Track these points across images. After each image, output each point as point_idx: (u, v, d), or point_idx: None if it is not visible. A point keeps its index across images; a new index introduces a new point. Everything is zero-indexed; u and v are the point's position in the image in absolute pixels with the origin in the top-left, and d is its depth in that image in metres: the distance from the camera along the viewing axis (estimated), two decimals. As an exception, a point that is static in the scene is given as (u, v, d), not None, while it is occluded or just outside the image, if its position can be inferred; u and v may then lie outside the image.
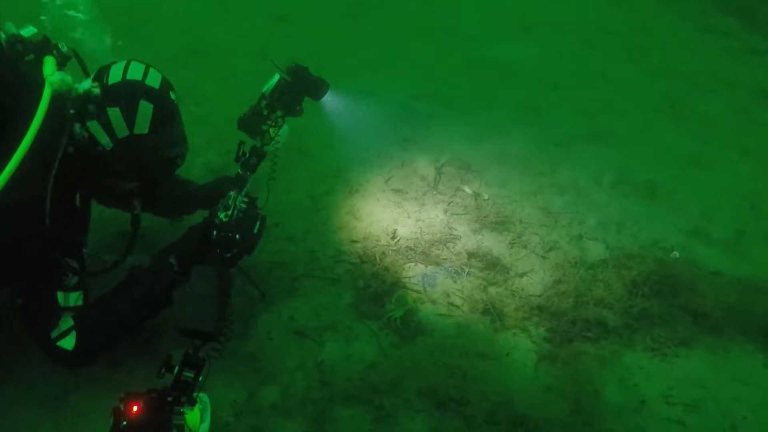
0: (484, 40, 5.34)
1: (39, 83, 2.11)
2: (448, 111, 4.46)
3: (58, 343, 2.27)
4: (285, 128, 2.99)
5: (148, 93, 2.26)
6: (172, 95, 2.38)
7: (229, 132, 2.97)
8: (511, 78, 4.91)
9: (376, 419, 2.55)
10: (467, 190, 3.71)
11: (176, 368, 1.93)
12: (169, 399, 1.86)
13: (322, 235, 3.39)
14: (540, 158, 4.09)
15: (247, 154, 2.77)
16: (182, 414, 1.86)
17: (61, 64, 2.23)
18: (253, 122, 2.92)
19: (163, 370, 1.93)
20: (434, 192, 3.73)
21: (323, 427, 2.51)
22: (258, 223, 2.64)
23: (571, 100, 4.70)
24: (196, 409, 1.90)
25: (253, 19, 5.34)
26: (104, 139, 2.25)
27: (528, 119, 4.48)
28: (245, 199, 2.60)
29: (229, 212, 2.51)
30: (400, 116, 4.35)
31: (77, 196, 2.42)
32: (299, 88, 2.83)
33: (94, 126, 2.24)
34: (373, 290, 3.06)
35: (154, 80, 2.31)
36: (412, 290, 3.10)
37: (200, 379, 1.94)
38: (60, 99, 2.15)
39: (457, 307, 3.06)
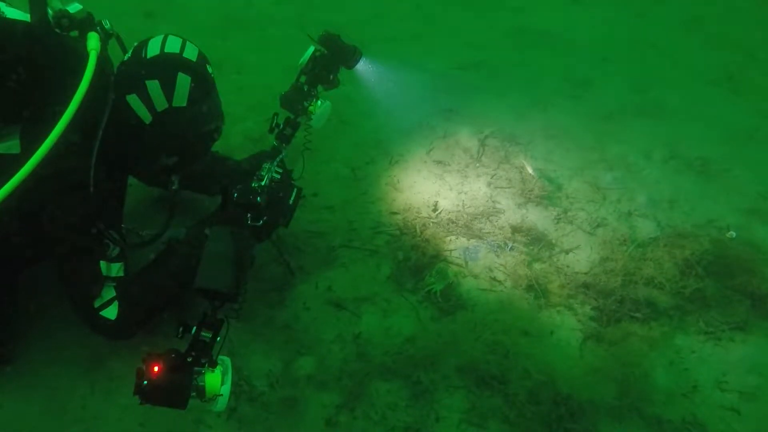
0: (530, 10, 5.14)
1: (83, 57, 2.11)
2: (493, 82, 4.31)
3: (101, 313, 2.27)
4: (327, 104, 2.97)
5: (186, 66, 2.27)
6: (209, 68, 2.39)
7: (268, 100, 2.93)
8: (558, 49, 4.72)
9: (414, 394, 2.48)
10: (529, 169, 3.56)
11: (194, 328, 1.91)
12: (189, 360, 1.84)
13: (361, 205, 3.31)
14: (588, 132, 3.92)
15: (281, 126, 2.73)
16: (203, 375, 1.84)
17: (104, 41, 2.23)
18: (294, 99, 2.90)
19: (181, 330, 1.90)
20: (477, 164, 3.60)
21: (359, 401, 2.45)
22: (294, 193, 2.58)
23: (621, 71, 4.50)
24: (217, 370, 1.87)
25: (292, -14, 5.24)
26: (143, 113, 2.26)
27: (575, 92, 4.30)
28: (279, 170, 2.55)
29: (262, 182, 2.47)
30: (443, 87, 4.22)
31: (118, 171, 2.44)
32: (332, 57, 2.76)
33: (133, 100, 2.24)
34: (413, 263, 2.97)
35: (191, 53, 2.32)
36: (453, 264, 3.00)
37: (218, 339, 1.91)
38: (104, 71, 2.17)
39: (500, 282, 2.95)
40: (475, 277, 2.96)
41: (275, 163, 2.63)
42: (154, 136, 2.32)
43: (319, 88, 2.93)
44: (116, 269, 2.32)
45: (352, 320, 2.74)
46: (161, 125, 2.29)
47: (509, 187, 3.45)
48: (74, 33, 2.22)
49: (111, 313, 2.28)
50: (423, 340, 2.66)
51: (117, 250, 2.33)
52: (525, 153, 3.69)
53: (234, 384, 2.45)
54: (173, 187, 2.50)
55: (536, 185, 3.46)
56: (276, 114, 2.72)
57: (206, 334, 1.91)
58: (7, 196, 1.85)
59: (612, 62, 4.61)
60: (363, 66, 2.97)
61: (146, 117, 2.27)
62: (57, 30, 2.16)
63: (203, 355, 1.87)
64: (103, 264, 2.27)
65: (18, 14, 2.25)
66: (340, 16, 4.86)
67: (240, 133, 3.66)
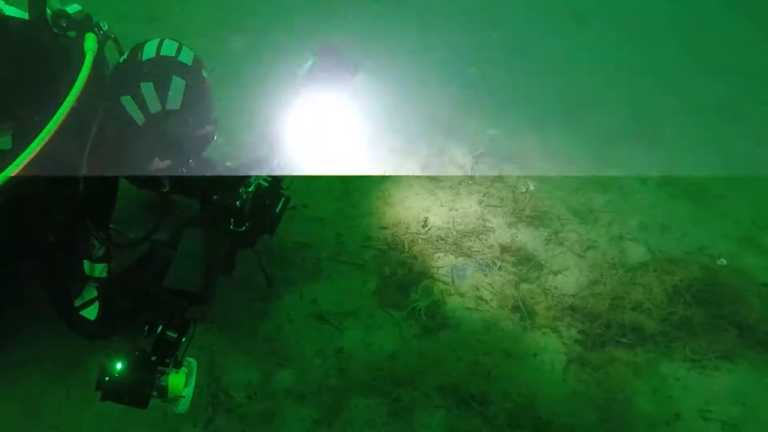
0: (531, 29, 5.13)
1: (79, 57, 2.11)
2: (490, 100, 4.29)
3: (81, 312, 2.26)
4: None
5: (181, 69, 2.27)
6: (204, 73, 2.38)
7: None
8: (557, 69, 4.71)
9: (393, 412, 2.46)
10: (522, 188, 3.55)
11: (159, 328, 1.89)
12: (153, 359, 1.81)
13: (351, 218, 3.29)
14: (583, 153, 3.91)
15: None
16: (167, 375, 1.82)
17: (101, 42, 2.23)
18: None
19: (147, 328, 1.88)
20: (470, 181, 3.59)
21: (338, 417, 2.44)
22: (281, 202, 2.57)
23: (619, 95, 4.49)
24: (182, 371, 1.86)
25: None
26: (137, 114, 2.26)
27: (573, 113, 4.29)
28: (268, 178, 2.53)
29: (250, 188, 2.44)
30: (439, 103, 4.21)
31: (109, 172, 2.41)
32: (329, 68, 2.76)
33: (127, 101, 2.25)
34: (399, 278, 2.96)
35: (186, 57, 2.32)
36: (440, 281, 2.99)
37: (183, 341, 1.90)
38: (99, 72, 2.17)
39: (486, 301, 2.94)
40: (462, 295, 2.94)
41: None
42: (147, 139, 2.31)
43: None
44: (100, 270, 2.31)
45: (334, 334, 2.72)
46: (154, 128, 2.29)
47: (501, 206, 3.44)
48: (72, 34, 2.22)
49: (91, 313, 2.26)
50: (405, 358, 2.64)
51: (102, 251, 2.32)
52: (519, 172, 3.68)
53: (212, 395, 2.46)
54: (164, 190, 2.48)
55: (528, 205, 3.44)
56: None
57: (172, 335, 1.88)
58: None
59: (611, 85, 4.59)
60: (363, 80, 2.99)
61: (139, 119, 2.27)
62: (54, 30, 2.16)
63: (167, 355, 1.85)
64: (86, 263, 2.25)
65: (17, 13, 2.26)
66: (340, 29, 4.86)
67: (240, 144, 3.65)
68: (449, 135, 3.92)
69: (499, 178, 3.61)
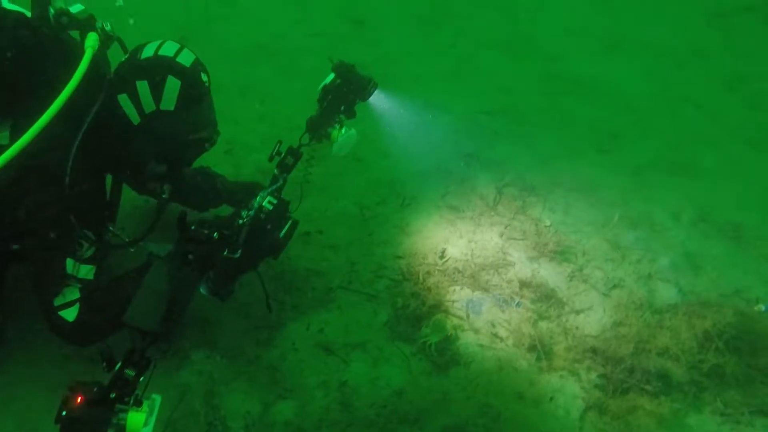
0: (564, 56, 5.03)
1: (79, 54, 2.12)
2: (518, 128, 4.20)
3: (60, 312, 2.23)
4: (352, 132, 2.90)
5: (177, 69, 2.23)
6: (204, 77, 2.34)
7: (287, 132, 2.90)
8: (589, 98, 4.58)
9: (395, 452, 2.34)
10: (546, 222, 3.43)
11: (118, 365, 1.82)
12: (113, 395, 1.75)
13: (366, 246, 3.21)
14: (613, 187, 3.75)
15: (283, 154, 2.64)
16: (126, 413, 1.75)
17: (103, 42, 2.23)
18: (318, 123, 2.84)
19: (104, 364, 1.81)
20: (492, 213, 3.47)
21: (337, 454, 2.33)
22: (287, 226, 2.50)
23: (654, 126, 4.32)
24: (142, 409, 1.78)
25: (328, 21, 5.26)
26: (132, 113, 2.25)
27: (604, 144, 4.15)
28: (273, 201, 2.46)
29: (251, 212, 2.39)
30: (466, 130, 4.13)
31: (108, 177, 2.45)
32: (345, 87, 2.69)
33: (123, 99, 2.24)
34: (411, 311, 2.85)
35: (186, 59, 2.28)
36: (454, 315, 2.87)
37: (141, 379, 1.82)
38: (98, 70, 2.17)
39: (501, 339, 2.80)
40: (476, 331, 2.82)
41: (268, 193, 2.54)
42: (142, 139, 2.30)
43: (341, 116, 2.86)
44: (85, 271, 2.27)
45: (340, 366, 2.63)
46: (149, 127, 2.27)
47: (523, 239, 3.31)
48: (75, 33, 2.24)
49: (70, 315, 2.23)
50: (411, 395, 2.52)
51: (90, 252, 2.28)
52: (543, 204, 3.55)
53: (208, 423, 2.38)
54: (163, 196, 2.45)
55: (551, 239, 3.30)
56: (280, 142, 2.64)
57: (130, 372, 1.82)
58: None
59: (646, 115, 4.43)
60: (381, 101, 2.91)
61: (135, 118, 2.25)
62: (56, 27, 2.17)
63: (125, 392, 1.78)
64: (69, 262, 2.22)
65: (18, 9, 2.28)
66: (371, 51, 4.85)
67: (252, 163, 3.64)
68: (473, 163, 3.82)
69: (523, 210, 3.49)
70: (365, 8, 5.46)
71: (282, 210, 2.51)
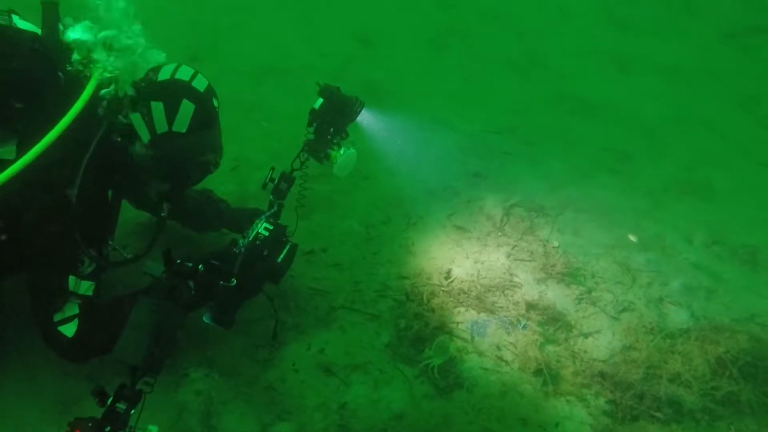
0: (574, 77, 5.01)
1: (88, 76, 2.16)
2: (527, 148, 4.16)
3: (59, 328, 2.23)
4: (352, 152, 2.92)
5: (193, 94, 2.31)
6: (215, 102, 2.41)
7: (292, 150, 2.90)
8: (600, 119, 4.54)
9: (395, 479, 2.27)
10: (554, 243, 3.37)
11: (110, 399, 1.82)
12: (107, 430, 1.75)
13: (370, 266, 3.17)
14: (623, 208, 3.69)
15: (276, 180, 2.70)
16: None
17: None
18: (318, 146, 2.88)
19: (97, 400, 1.81)
20: (499, 233, 3.42)
21: (334, 479, 2.26)
22: (285, 250, 2.54)
23: (666, 147, 4.27)
24: None
25: (336, 40, 5.28)
26: (143, 133, 2.29)
27: (614, 165, 4.10)
28: (269, 227, 2.47)
29: (247, 240, 2.45)
30: (473, 149, 4.09)
31: (110, 193, 2.45)
32: (332, 109, 2.72)
33: (136, 119, 2.28)
34: (414, 332, 2.79)
35: (200, 84, 2.36)
36: (458, 338, 2.80)
37: (132, 412, 1.83)
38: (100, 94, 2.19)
39: (507, 362, 2.73)
40: (480, 354, 2.75)
41: (263, 220, 2.58)
42: (150, 158, 2.33)
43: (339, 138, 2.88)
44: (85, 287, 2.28)
45: (340, 388, 2.57)
46: (158, 147, 2.31)
47: (530, 260, 3.24)
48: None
49: (69, 330, 2.24)
50: (412, 419, 2.45)
51: (91, 268, 2.29)
52: (552, 225, 3.49)
53: (203, 445, 2.32)
54: (162, 214, 2.49)
55: (559, 261, 3.24)
56: (273, 168, 2.71)
57: (121, 406, 1.83)
58: None
59: (658, 136, 4.39)
60: (368, 119, 2.94)
61: (145, 137, 2.29)
62: (65, 46, 2.20)
63: (119, 426, 1.78)
64: (71, 278, 2.23)
65: (30, 27, 2.32)
66: (379, 71, 4.86)
67: (258, 181, 3.56)
68: (480, 183, 3.77)
69: (531, 231, 3.43)
70: (373, 28, 5.49)
71: (279, 235, 2.55)
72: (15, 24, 2.29)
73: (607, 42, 5.51)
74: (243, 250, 2.45)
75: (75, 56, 2.20)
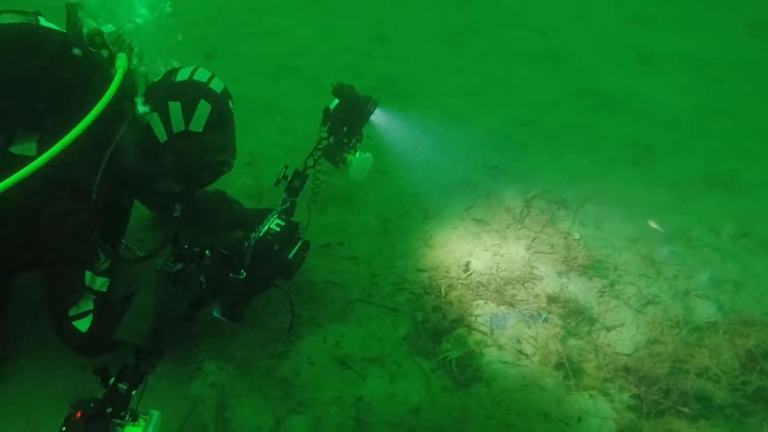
0: (595, 71, 4.91)
1: (109, 74, 2.16)
2: (546, 142, 4.08)
3: (74, 323, 2.25)
4: (367, 156, 3.01)
5: (210, 95, 2.35)
6: (231, 104, 2.45)
7: (307, 146, 2.96)
8: (622, 112, 4.44)
9: (412, 473, 2.21)
10: (576, 235, 3.28)
11: (112, 379, 1.81)
12: (109, 410, 1.73)
13: (387, 259, 3.11)
14: (647, 201, 3.59)
15: (289, 178, 2.73)
16: (123, 428, 1.74)
17: (133, 63, 2.27)
18: (334, 150, 2.96)
19: (99, 379, 1.79)
20: (519, 226, 3.35)
21: (350, 472, 2.21)
22: (296, 247, 2.55)
23: (691, 139, 4.15)
24: (138, 425, 1.76)
25: (353, 39, 5.26)
26: (160, 132, 2.32)
27: (637, 158, 4.00)
28: (281, 222, 2.50)
29: (260, 234, 2.46)
30: (492, 143, 4.03)
31: (125, 192, 2.46)
32: (345, 108, 2.74)
33: (153, 118, 2.30)
34: (432, 325, 2.73)
35: (217, 86, 2.40)
36: (477, 331, 2.74)
37: (133, 393, 1.81)
38: (126, 91, 2.21)
39: (527, 356, 2.65)
40: (500, 347, 2.68)
41: (275, 216, 2.59)
42: (165, 157, 2.36)
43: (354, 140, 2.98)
44: (100, 283, 2.29)
45: (356, 381, 2.51)
46: (174, 147, 2.33)
47: (551, 253, 3.16)
48: (105, 52, 2.28)
49: (83, 325, 2.25)
50: (429, 413, 2.39)
51: (106, 265, 2.31)
52: (573, 218, 3.41)
53: (217, 437, 2.29)
54: (174, 214, 2.51)
55: (581, 253, 3.16)
56: (286, 166, 2.74)
57: (123, 387, 1.81)
58: (7, 187, 1.84)
59: (682, 129, 4.27)
60: (383, 118, 3.02)
61: (162, 136, 2.32)
62: (89, 46, 2.21)
63: (119, 407, 1.76)
64: (88, 274, 2.25)
65: (56, 28, 2.32)
66: (397, 68, 4.82)
67: (272, 176, 3.54)
68: (499, 176, 3.70)
69: (552, 223, 3.35)
70: (390, 26, 5.47)
71: (291, 231, 2.55)
72: (41, 24, 2.30)
73: (630, 36, 5.41)
74: (253, 243, 2.44)
75: (102, 53, 2.22)
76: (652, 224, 3.26)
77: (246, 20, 5.42)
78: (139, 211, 2.85)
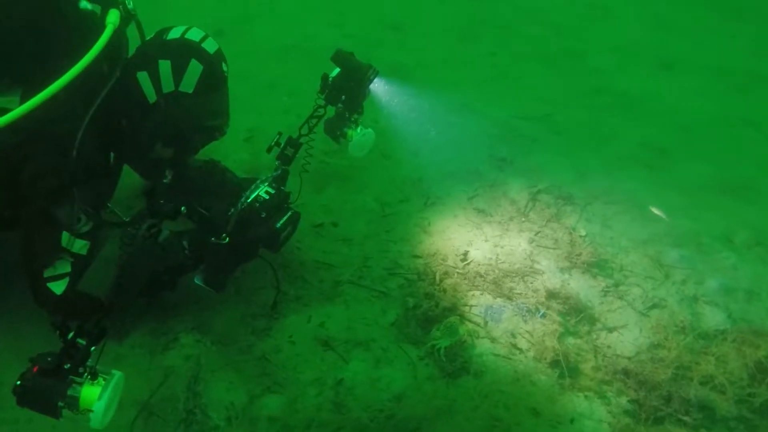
0: (611, 72, 4.77)
1: (99, 29, 2.11)
2: (556, 137, 3.94)
3: (49, 284, 2.18)
4: (369, 132, 2.96)
5: (201, 55, 2.27)
6: (224, 66, 2.36)
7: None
8: (637, 115, 4.30)
9: (388, 463, 2.08)
10: (581, 231, 3.15)
11: (71, 333, 1.70)
12: (67, 366, 1.63)
13: (382, 243, 2.99)
14: (657, 203, 3.43)
15: (282, 145, 2.66)
16: (81, 385, 1.63)
17: (124, 19, 2.23)
18: (335, 125, 2.93)
19: (58, 333, 1.69)
20: (522, 219, 3.21)
21: (323, 458, 2.07)
22: (285, 217, 2.45)
23: (706, 144, 4.00)
24: (97, 383, 1.65)
25: (364, 25, 5.17)
26: (150, 92, 2.24)
27: (649, 159, 3.85)
28: (270, 190, 2.38)
29: (248, 200, 2.36)
30: (501, 135, 3.89)
31: (112, 156, 2.40)
32: (345, 75, 2.66)
33: (143, 77, 2.23)
34: (423, 312, 2.60)
35: (210, 46, 2.32)
36: (470, 321, 2.60)
37: (92, 349, 1.71)
38: (116, 47, 2.16)
39: (521, 351, 2.51)
40: (493, 340, 2.54)
41: (266, 182, 2.49)
42: (155, 118, 2.27)
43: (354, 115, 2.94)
44: (79, 246, 2.22)
45: (337, 363, 2.39)
46: (163, 108, 2.25)
47: (554, 248, 3.02)
48: (98, 8, 2.22)
49: (58, 287, 2.19)
50: (413, 401, 2.26)
51: (87, 227, 2.23)
52: (580, 215, 3.26)
53: (186, 411, 2.18)
54: (164, 181, 2.40)
55: (586, 250, 3.01)
56: (279, 133, 2.67)
57: (81, 342, 1.70)
58: None
59: (698, 134, 4.12)
60: (383, 87, 2.95)
61: (151, 96, 2.24)
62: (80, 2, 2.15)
63: (77, 362, 1.66)
64: (65, 235, 2.18)
65: None
66: (408, 57, 4.71)
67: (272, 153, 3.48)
68: (506, 168, 3.57)
69: (557, 218, 3.21)
70: (404, 16, 5.36)
71: (280, 200, 2.45)
72: None
73: (651, 40, 5.27)
74: (239, 208, 2.33)
75: (96, 8, 2.15)
76: (655, 210, 3.12)
77: (259, 1, 5.34)
78: (132, 177, 2.74)
